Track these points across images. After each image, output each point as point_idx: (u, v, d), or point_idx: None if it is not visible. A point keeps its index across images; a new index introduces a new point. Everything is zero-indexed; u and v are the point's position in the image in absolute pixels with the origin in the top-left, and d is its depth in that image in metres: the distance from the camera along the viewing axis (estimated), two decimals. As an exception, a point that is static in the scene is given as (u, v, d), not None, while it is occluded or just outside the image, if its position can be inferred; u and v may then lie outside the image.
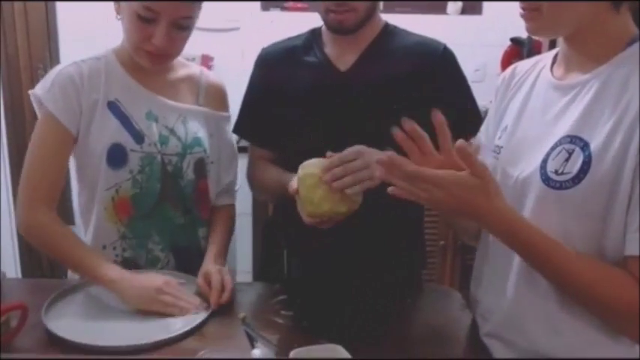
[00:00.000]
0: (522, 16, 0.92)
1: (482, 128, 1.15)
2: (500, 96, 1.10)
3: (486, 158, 1.07)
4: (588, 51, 0.91)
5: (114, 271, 1.18)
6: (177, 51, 1.28)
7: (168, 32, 1.19)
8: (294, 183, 1.13)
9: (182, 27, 1.21)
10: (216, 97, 1.42)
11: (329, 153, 1.12)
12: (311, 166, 1.11)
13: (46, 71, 2.51)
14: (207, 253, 1.32)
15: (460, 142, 0.81)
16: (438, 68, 1.32)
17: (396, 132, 0.86)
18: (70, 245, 1.23)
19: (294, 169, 1.26)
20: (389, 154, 0.84)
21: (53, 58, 2.62)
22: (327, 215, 1.09)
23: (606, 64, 0.88)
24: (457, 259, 2.47)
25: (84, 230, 1.36)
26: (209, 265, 1.25)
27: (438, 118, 0.84)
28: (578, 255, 0.85)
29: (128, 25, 1.22)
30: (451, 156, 0.85)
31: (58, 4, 2.64)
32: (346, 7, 1.23)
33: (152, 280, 1.17)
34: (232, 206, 1.46)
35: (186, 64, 1.42)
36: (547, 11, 0.88)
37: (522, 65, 1.08)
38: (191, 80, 1.39)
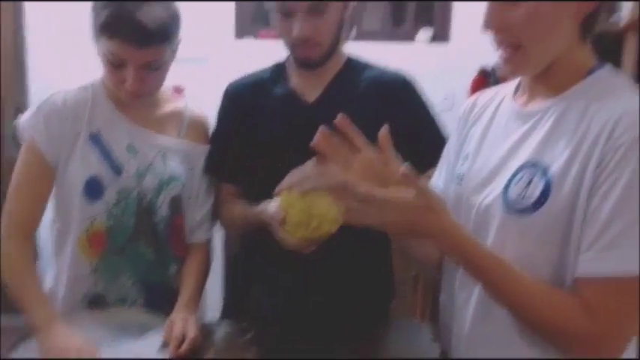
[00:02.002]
0: (502, 57, 0.90)
1: (444, 156, 1.15)
2: (461, 125, 1.10)
3: (448, 186, 1.07)
4: (552, 81, 0.91)
5: (43, 318, 1.12)
6: (155, 88, 1.28)
7: (139, 76, 1.19)
8: (277, 213, 1.04)
9: (153, 68, 1.20)
10: (198, 130, 1.40)
11: None
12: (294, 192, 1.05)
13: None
14: (179, 297, 1.28)
15: (404, 168, 0.82)
16: (400, 99, 1.33)
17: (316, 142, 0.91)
18: (23, 279, 1.18)
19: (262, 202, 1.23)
20: (341, 180, 0.85)
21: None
22: (324, 235, 1.01)
23: (566, 92, 0.89)
24: (429, 289, 2.45)
25: (55, 262, 1.32)
26: (177, 312, 1.22)
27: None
28: (531, 279, 0.85)
29: (103, 67, 1.22)
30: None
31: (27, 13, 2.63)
32: (312, 42, 1.24)
33: (68, 342, 1.08)
34: (207, 243, 1.42)
35: (173, 99, 1.41)
36: (530, 48, 0.87)
37: (484, 95, 1.09)
38: (176, 115, 1.38)
